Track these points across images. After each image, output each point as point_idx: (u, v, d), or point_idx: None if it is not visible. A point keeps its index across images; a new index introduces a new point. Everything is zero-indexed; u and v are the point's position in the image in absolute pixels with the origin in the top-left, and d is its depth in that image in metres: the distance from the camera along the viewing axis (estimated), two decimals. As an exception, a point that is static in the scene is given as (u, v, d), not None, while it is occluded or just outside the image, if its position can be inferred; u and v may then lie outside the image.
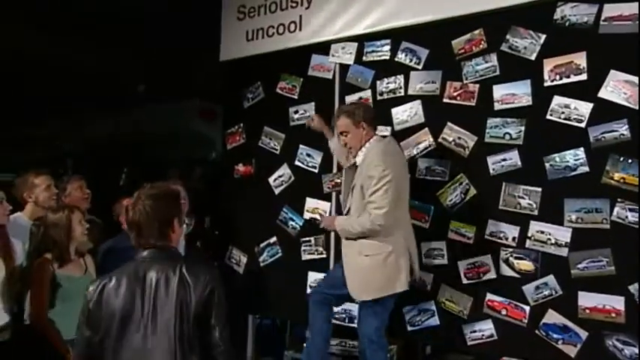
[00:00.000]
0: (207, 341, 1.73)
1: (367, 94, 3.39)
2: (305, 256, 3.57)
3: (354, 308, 3.34)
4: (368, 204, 2.64)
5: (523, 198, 2.82)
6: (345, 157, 3.03)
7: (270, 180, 3.76)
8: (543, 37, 2.81)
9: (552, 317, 2.68)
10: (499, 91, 2.93)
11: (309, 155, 3.62)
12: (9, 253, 2.58)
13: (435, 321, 3.05)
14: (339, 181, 3.48)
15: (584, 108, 2.67)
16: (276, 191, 3.74)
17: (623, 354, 2.49)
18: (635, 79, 2.54)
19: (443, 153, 3.09)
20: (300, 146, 3.65)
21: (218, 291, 1.76)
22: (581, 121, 2.68)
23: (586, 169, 2.65)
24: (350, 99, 3.46)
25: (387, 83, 3.33)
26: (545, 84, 2.79)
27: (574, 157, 2.69)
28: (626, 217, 2.54)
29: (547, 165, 2.75)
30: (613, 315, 2.52)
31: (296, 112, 3.70)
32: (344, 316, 3.39)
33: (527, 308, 2.75)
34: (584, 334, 2.59)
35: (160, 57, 4.74)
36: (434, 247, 3.08)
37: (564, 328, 2.64)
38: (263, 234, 3.76)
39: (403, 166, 2.83)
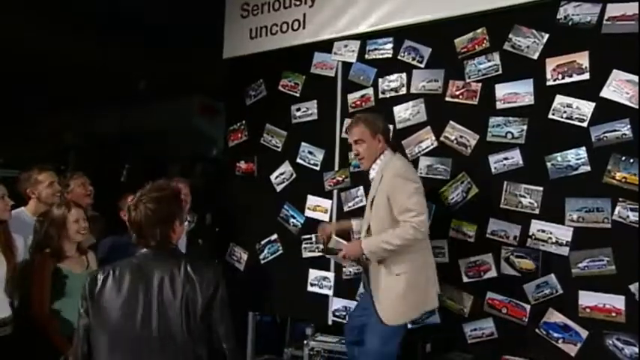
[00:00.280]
0: (213, 337, 1.76)
1: (369, 92, 3.40)
2: (306, 254, 3.57)
3: (354, 306, 3.35)
4: (405, 213, 2.49)
5: (524, 197, 2.83)
6: None
7: (272, 177, 3.77)
8: (546, 36, 2.82)
9: (553, 316, 2.69)
10: (501, 90, 2.94)
11: (310, 153, 3.63)
12: (10, 249, 2.58)
13: (435, 319, 3.05)
14: (340, 178, 3.49)
15: (586, 107, 2.68)
16: (278, 189, 3.75)
17: (623, 353, 2.50)
18: (638, 78, 2.55)
19: (445, 152, 3.10)
20: (302, 144, 3.66)
21: (222, 288, 1.80)
22: (583, 121, 2.69)
23: (587, 168, 2.66)
24: (352, 97, 3.47)
25: (390, 81, 3.33)
26: (548, 83, 2.80)
27: (576, 157, 2.70)
28: (627, 216, 2.54)
29: (548, 164, 2.76)
30: (613, 314, 2.53)
31: (298, 109, 3.71)
32: (344, 313, 3.40)
33: (527, 307, 2.76)
34: (584, 333, 2.60)
35: (162, 54, 4.75)
36: (435, 246, 3.05)
37: (565, 327, 2.66)
38: (264, 231, 3.77)
39: None
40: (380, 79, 3.37)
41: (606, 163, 2.60)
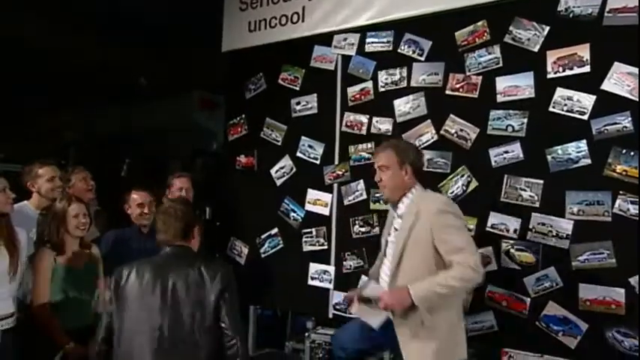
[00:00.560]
0: (223, 331, 1.99)
1: (369, 85, 3.39)
2: (306, 248, 3.58)
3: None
4: (457, 253, 2.21)
5: (525, 190, 2.83)
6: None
7: (272, 171, 3.77)
8: (547, 28, 2.81)
9: (553, 309, 2.69)
10: (502, 83, 2.93)
11: (310, 147, 3.63)
12: (13, 242, 2.58)
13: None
14: (340, 172, 3.49)
15: (587, 100, 2.67)
16: (278, 183, 3.75)
17: (623, 345, 2.51)
18: (639, 71, 2.55)
19: (445, 145, 3.09)
20: (302, 138, 3.65)
21: (231, 287, 2.04)
22: (583, 114, 2.68)
23: (588, 161, 2.66)
24: (352, 90, 3.46)
25: (390, 75, 3.33)
26: (549, 76, 2.79)
27: (576, 150, 2.70)
28: (628, 209, 2.55)
29: (549, 157, 2.76)
30: (613, 307, 2.54)
31: (298, 103, 3.70)
32: (344, 306, 3.40)
33: (527, 300, 2.76)
34: (584, 326, 2.61)
35: (161, 49, 4.74)
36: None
37: (565, 320, 2.66)
38: (264, 225, 3.78)
39: None
40: (380, 72, 3.36)
41: (607, 156, 2.60)
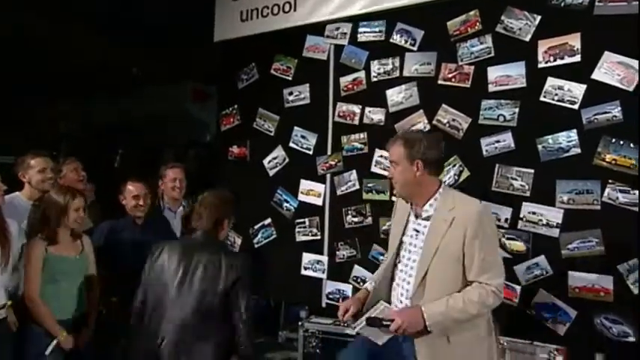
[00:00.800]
0: (234, 312, 2.20)
1: (361, 75, 3.40)
2: (299, 238, 3.60)
3: (347, 289, 3.40)
4: (484, 273, 1.96)
5: (516, 179, 2.85)
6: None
7: (265, 162, 3.78)
8: (538, 18, 2.82)
9: (543, 297, 2.72)
10: (494, 72, 2.94)
11: (303, 137, 3.63)
12: (3, 233, 2.57)
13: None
14: (333, 162, 3.50)
15: (578, 90, 2.69)
16: (271, 173, 3.75)
17: (611, 332, 2.54)
18: (630, 60, 2.56)
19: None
20: (295, 128, 3.66)
21: (244, 280, 2.25)
22: (574, 103, 2.70)
23: (578, 150, 2.68)
24: (344, 80, 3.46)
25: (382, 64, 3.33)
26: (540, 65, 2.81)
27: (567, 139, 2.72)
28: (617, 198, 2.57)
29: (540, 147, 2.78)
30: (602, 294, 2.57)
31: (290, 93, 3.70)
32: (337, 296, 3.44)
33: (518, 288, 2.79)
34: (573, 313, 2.64)
35: (154, 40, 4.71)
36: (427, 229, 3.12)
37: (554, 307, 2.69)
38: (257, 216, 3.78)
39: None
40: (372, 62, 3.36)
41: (596, 145, 2.62)
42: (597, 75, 2.64)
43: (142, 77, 5.40)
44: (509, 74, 2.90)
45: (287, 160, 3.70)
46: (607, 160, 2.61)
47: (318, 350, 3.25)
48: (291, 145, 3.67)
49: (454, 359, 2.01)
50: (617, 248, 2.55)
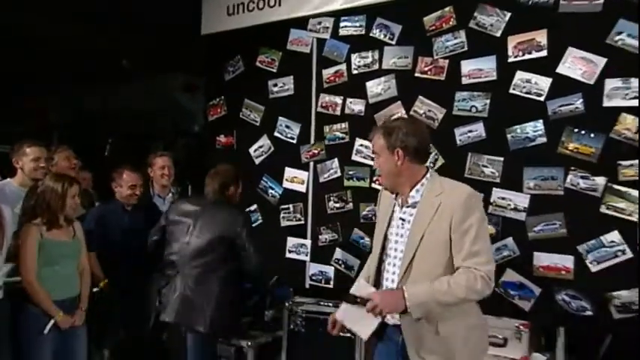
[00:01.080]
0: (243, 257, 2.76)
1: (342, 68, 3.43)
2: (284, 223, 3.65)
3: (329, 270, 3.46)
4: (472, 258, 1.82)
5: (487, 167, 2.92)
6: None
7: (251, 150, 3.80)
8: (508, 15, 2.87)
9: (510, 275, 2.81)
10: (467, 66, 3.00)
11: (287, 127, 3.66)
12: (-2, 219, 2.58)
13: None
14: (316, 151, 3.54)
15: (544, 83, 2.76)
16: (257, 161, 3.78)
17: (570, 307, 2.65)
18: (591, 56, 2.63)
19: (414, 125, 3.16)
20: (280, 118, 3.68)
21: (248, 225, 2.85)
22: (540, 95, 2.78)
23: (544, 139, 2.76)
24: (326, 72, 3.49)
25: (362, 58, 3.36)
26: (509, 60, 2.86)
27: (533, 129, 2.79)
28: (578, 183, 2.66)
29: (509, 136, 2.85)
30: (563, 272, 2.67)
31: (275, 85, 3.72)
32: (320, 277, 3.50)
33: (488, 268, 2.87)
34: (537, 290, 2.74)
35: (143, 32, 4.67)
36: (404, 213, 3.19)
37: (520, 285, 2.79)
38: (244, 202, 3.80)
39: None
40: (353, 55, 3.39)
41: (560, 134, 2.70)
42: (562, 69, 2.71)
43: (132, 69, 5.35)
44: (481, 68, 2.96)
45: (272, 148, 3.73)
46: (570, 148, 2.69)
47: (302, 329, 3.31)
48: (276, 134, 3.70)
49: (445, 350, 1.87)
50: (578, 230, 2.65)
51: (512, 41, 2.85)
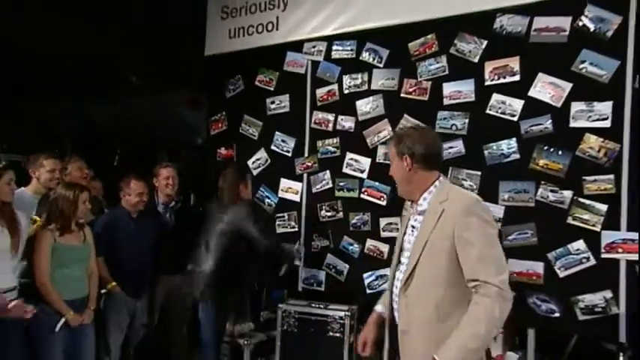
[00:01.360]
0: (259, 246, 3.06)
1: (334, 87, 3.53)
2: (279, 230, 3.71)
3: (321, 274, 3.54)
4: (477, 269, 1.67)
5: (466, 180, 3.01)
6: None
7: (249, 162, 3.87)
8: (485, 42, 2.98)
9: (486, 281, 2.90)
10: (448, 88, 3.10)
11: (283, 141, 3.75)
12: (14, 225, 2.64)
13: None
14: (309, 164, 3.63)
15: (517, 104, 2.87)
16: (255, 172, 3.85)
17: (540, 309, 2.75)
18: (559, 81, 2.76)
19: (399, 141, 3.26)
20: (276, 133, 3.76)
21: (252, 217, 3.09)
22: (514, 116, 2.88)
23: (517, 156, 2.86)
24: (320, 92, 3.58)
25: (353, 79, 3.46)
26: (486, 83, 2.97)
27: (507, 146, 2.89)
28: (548, 196, 2.77)
29: (486, 152, 2.95)
30: (534, 278, 2.76)
31: (272, 102, 3.80)
32: (312, 281, 3.58)
33: (466, 273, 2.96)
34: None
35: (152, 52, 4.78)
36: (390, 222, 3.28)
37: (496, 290, 2.87)
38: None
39: None
40: (344, 77, 3.49)
41: (532, 151, 2.80)
42: (533, 93, 2.82)
43: (140, 84, 5.44)
44: (460, 90, 3.06)
45: (269, 161, 3.81)
46: (540, 164, 2.79)
47: (295, 329, 3.37)
48: (273, 147, 3.78)
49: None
50: (547, 239, 2.75)
51: (489, 66, 2.96)
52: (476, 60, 3.01)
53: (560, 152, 2.74)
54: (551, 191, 2.76)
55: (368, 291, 3.34)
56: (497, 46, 2.94)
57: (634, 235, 2.53)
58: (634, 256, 2.54)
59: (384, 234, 3.29)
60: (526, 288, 2.77)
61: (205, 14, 4.09)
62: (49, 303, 2.63)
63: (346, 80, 3.49)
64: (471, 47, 3.04)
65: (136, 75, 5.24)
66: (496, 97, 2.93)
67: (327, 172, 3.53)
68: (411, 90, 3.24)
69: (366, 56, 3.42)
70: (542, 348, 2.81)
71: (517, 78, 2.87)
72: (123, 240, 3.17)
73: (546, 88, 2.79)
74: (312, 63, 3.64)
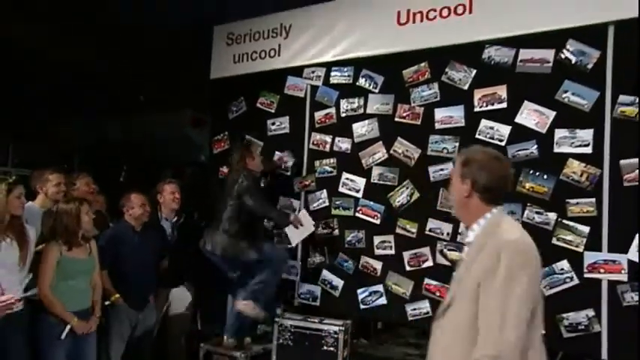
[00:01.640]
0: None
1: (332, 111, 3.58)
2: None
3: (317, 289, 3.54)
4: (480, 331, 1.41)
5: (455, 201, 3.04)
6: None
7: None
8: (474, 71, 3.05)
9: (475, 298, 2.90)
10: (439, 113, 3.16)
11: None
12: (23, 238, 2.64)
13: (383, 300, 3.26)
14: (307, 182, 3.66)
15: (505, 130, 2.93)
16: (255, 190, 3.87)
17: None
18: (543, 109, 2.82)
19: (393, 162, 3.30)
20: (276, 152, 3.80)
21: (250, 189, 3.24)
22: (502, 140, 2.93)
23: (505, 179, 2.90)
24: (318, 114, 3.63)
25: (349, 103, 3.52)
26: (475, 109, 3.03)
27: (496, 169, 2.93)
28: (534, 218, 2.81)
29: (475, 175, 2.99)
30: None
31: (273, 123, 3.85)
32: (308, 296, 3.57)
33: (455, 290, 2.96)
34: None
35: (161, 74, 4.86)
36: (384, 240, 3.30)
37: (484, 307, 2.86)
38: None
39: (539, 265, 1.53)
40: (341, 101, 3.54)
41: (519, 175, 2.84)
42: (519, 119, 2.88)
43: (148, 104, 5.51)
44: (451, 115, 3.12)
45: (269, 178, 3.83)
46: (526, 187, 2.83)
47: (290, 342, 3.35)
48: (273, 167, 3.79)
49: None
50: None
51: (478, 94, 3.02)
52: (466, 87, 3.07)
53: (545, 176, 2.78)
54: (537, 213, 2.80)
55: (362, 306, 3.34)
56: (486, 75, 3.00)
57: (615, 257, 2.55)
58: (615, 277, 2.56)
59: (377, 251, 3.31)
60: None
61: (211, 40, 4.17)
62: (53, 312, 2.61)
63: (343, 104, 3.54)
64: (461, 75, 3.10)
65: (146, 96, 5.31)
66: (485, 123, 2.99)
67: (324, 190, 3.57)
68: (404, 114, 3.29)
69: (362, 82, 3.48)
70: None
71: (504, 105, 2.94)
72: (127, 253, 3.16)
73: (532, 115, 2.84)
74: (311, 87, 3.70)
